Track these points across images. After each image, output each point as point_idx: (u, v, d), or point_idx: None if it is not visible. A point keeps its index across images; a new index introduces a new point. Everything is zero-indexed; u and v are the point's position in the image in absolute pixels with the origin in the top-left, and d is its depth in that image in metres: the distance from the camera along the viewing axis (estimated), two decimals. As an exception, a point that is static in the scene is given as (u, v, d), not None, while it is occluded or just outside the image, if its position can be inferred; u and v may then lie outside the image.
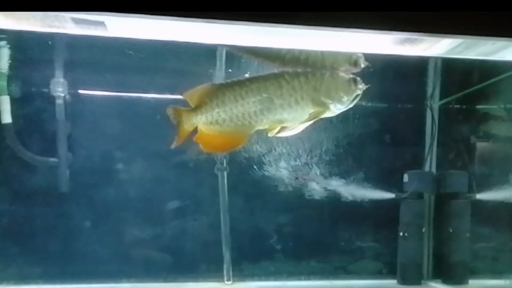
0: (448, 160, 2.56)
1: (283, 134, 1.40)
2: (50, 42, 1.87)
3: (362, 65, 1.32)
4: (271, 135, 1.39)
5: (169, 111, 1.42)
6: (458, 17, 1.02)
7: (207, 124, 1.37)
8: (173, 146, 1.42)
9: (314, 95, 1.32)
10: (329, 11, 0.97)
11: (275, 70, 1.35)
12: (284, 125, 1.36)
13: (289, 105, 1.33)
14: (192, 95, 1.39)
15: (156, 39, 1.14)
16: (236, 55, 1.49)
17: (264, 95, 1.33)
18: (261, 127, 1.38)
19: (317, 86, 1.32)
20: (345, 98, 1.33)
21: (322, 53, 1.31)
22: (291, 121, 1.36)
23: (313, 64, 1.31)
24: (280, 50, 1.30)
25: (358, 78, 1.33)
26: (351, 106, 1.36)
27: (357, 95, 1.34)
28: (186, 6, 0.93)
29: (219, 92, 1.36)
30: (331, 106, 1.34)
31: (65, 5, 0.92)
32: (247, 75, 1.40)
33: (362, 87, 1.33)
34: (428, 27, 1.03)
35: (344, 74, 1.33)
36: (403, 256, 2.43)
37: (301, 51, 1.30)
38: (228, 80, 1.38)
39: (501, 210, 2.42)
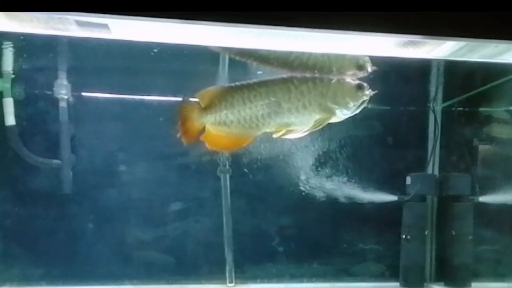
0: (451, 162, 2.56)
1: (288, 136, 1.41)
2: (54, 44, 1.88)
3: (369, 70, 1.32)
4: (276, 137, 1.40)
5: (182, 105, 1.43)
6: (461, 20, 1.02)
7: (215, 125, 1.39)
8: (185, 143, 1.42)
9: (321, 101, 1.33)
10: (331, 12, 0.97)
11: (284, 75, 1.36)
12: (290, 128, 1.37)
13: (296, 109, 1.34)
14: (203, 95, 1.41)
15: (159, 41, 1.14)
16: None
17: (272, 99, 1.34)
18: (267, 130, 1.39)
19: (324, 91, 1.33)
20: (351, 104, 1.34)
21: (329, 57, 1.32)
22: (298, 125, 1.37)
23: (320, 69, 1.32)
24: (289, 56, 1.31)
25: (365, 84, 1.34)
26: (357, 112, 1.36)
27: (364, 101, 1.34)
28: (191, 8, 0.93)
29: (228, 94, 1.37)
30: (337, 112, 1.35)
31: (67, 6, 0.92)
32: (260, 72, 1.41)
33: (368, 93, 1.34)
34: (431, 29, 1.02)
35: (351, 79, 1.34)
36: (406, 258, 2.43)
37: (309, 57, 1.31)
38: (238, 83, 1.39)
39: (504, 213, 2.42)
